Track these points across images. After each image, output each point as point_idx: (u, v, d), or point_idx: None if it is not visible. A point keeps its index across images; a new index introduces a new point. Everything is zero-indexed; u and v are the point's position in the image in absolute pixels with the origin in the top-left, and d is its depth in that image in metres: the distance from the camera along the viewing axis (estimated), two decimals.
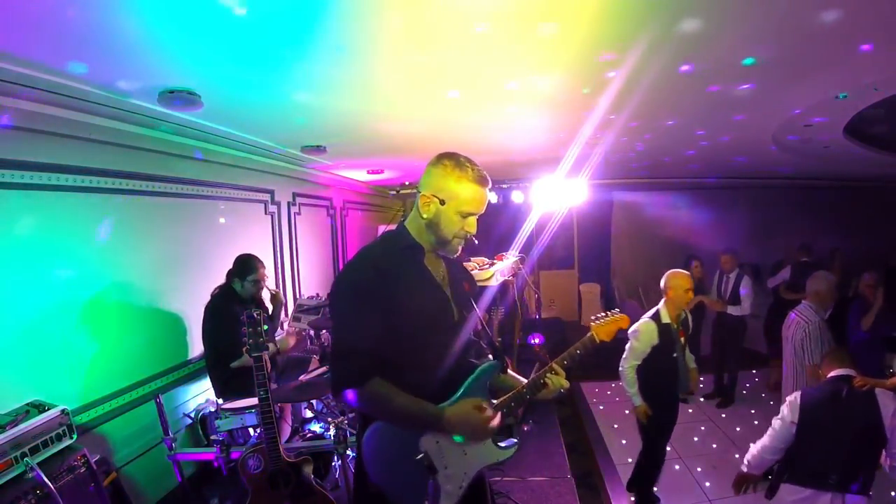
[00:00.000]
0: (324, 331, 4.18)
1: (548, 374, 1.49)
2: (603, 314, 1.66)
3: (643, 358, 3.01)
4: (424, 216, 1.40)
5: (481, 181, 1.39)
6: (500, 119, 3.15)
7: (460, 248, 1.46)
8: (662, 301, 3.06)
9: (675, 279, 3.03)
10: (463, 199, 1.37)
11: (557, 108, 2.91)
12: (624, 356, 3.08)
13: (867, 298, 3.82)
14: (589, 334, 1.60)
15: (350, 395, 1.31)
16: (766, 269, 6.28)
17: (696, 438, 4.29)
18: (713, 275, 5.28)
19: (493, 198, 6.94)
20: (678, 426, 3.22)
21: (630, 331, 2.98)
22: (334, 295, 1.44)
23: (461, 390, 1.40)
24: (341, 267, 1.55)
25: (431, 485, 1.31)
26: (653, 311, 3.07)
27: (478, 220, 1.43)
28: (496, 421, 1.39)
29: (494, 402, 1.47)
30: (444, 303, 1.46)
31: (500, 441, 1.47)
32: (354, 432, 2.41)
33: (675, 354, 2.99)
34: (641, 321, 3.03)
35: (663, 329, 2.98)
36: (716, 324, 5.22)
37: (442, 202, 1.38)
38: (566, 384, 1.49)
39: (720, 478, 3.58)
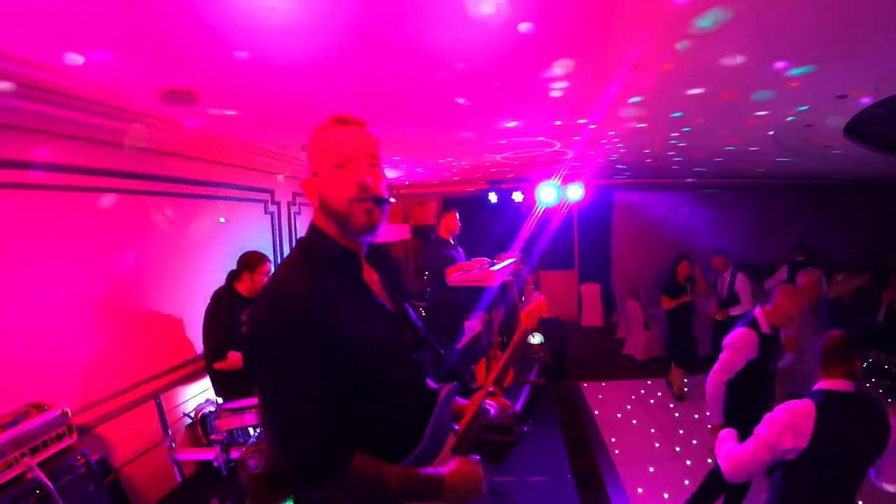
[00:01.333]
0: None
1: (486, 400, 1.26)
2: (527, 300, 1.50)
3: (736, 373, 2.61)
4: (317, 203, 1.10)
5: (338, 121, 1.09)
6: (504, 119, 3.15)
7: (376, 216, 1.08)
8: (761, 307, 2.70)
9: (787, 293, 2.65)
10: (325, 152, 1.07)
11: (560, 108, 2.90)
12: (715, 368, 2.66)
13: (841, 299, 3.85)
14: (520, 324, 1.36)
15: (331, 485, 0.98)
16: (766, 269, 6.31)
17: (695, 439, 4.29)
18: (707, 274, 5.34)
19: (493, 198, 6.97)
20: (679, 426, 3.20)
21: (726, 342, 2.65)
22: (263, 349, 0.99)
23: (428, 430, 1.14)
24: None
25: None
26: (748, 317, 2.71)
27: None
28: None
29: (456, 428, 1.26)
30: (395, 326, 1.16)
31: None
32: None
33: (771, 372, 2.64)
34: (739, 331, 2.65)
35: (763, 340, 2.60)
36: (714, 324, 5.26)
37: (315, 174, 1.09)
38: (508, 404, 1.31)
39: None
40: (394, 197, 8.10)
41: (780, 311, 2.62)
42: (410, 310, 1.28)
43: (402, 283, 1.31)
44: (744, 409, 2.58)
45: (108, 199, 2.79)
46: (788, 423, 1.78)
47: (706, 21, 1.65)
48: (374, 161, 1.09)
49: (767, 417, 1.87)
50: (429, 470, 1.08)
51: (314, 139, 1.10)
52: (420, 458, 1.11)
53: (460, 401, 1.34)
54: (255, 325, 1.03)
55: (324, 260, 1.07)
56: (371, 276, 1.18)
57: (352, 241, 1.12)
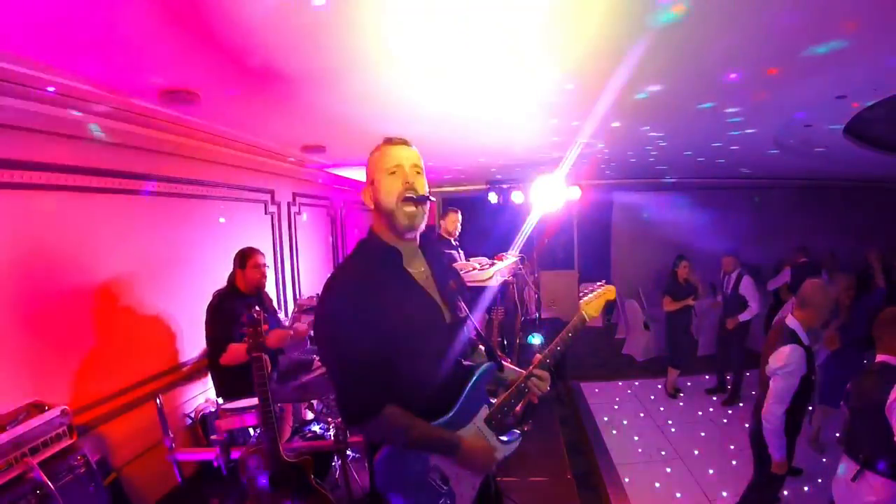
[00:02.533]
0: None
1: (531, 379, 1.46)
2: (588, 290, 1.56)
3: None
4: (371, 207, 1.40)
5: (388, 141, 1.39)
6: (504, 119, 3.15)
7: (416, 217, 1.36)
8: (793, 317, 2.52)
9: (820, 290, 2.51)
10: (379, 164, 1.37)
11: (564, 108, 2.91)
12: (771, 401, 2.42)
13: (840, 301, 3.85)
14: (578, 313, 1.53)
15: (365, 426, 1.30)
16: (767, 269, 6.30)
17: (695, 438, 4.29)
18: (710, 275, 5.34)
19: (493, 198, 6.97)
20: (679, 426, 3.20)
21: (774, 365, 2.42)
22: (323, 325, 1.32)
23: (462, 397, 1.38)
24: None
25: (447, 493, 1.36)
26: (785, 331, 2.48)
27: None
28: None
29: (492, 401, 1.47)
30: (432, 306, 1.40)
31: (503, 436, 1.46)
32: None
33: (813, 382, 2.50)
34: (785, 351, 2.39)
35: (808, 352, 2.42)
36: (720, 323, 5.27)
37: (371, 182, 1.38)
38: (546, 388, 1.47)
39: (721, 478, 3.58)
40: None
41: (818, 311, 2.48)
42: (457, 295, 1.49)
43: (453, 272, 1.58)
44: (789, 421, 2.44)
45: (107, 199, 2.79)
46: None
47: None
48: (417, 168, 1.38)
49: None
50: (448, 433, 1.34)
51: (371, 157, 1.40)
52: (450, 423, 1.35)
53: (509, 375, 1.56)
54: (318, 309, 1.34)
55: (373, 255, 1.38)
56: (419, 267, 1.44)
57: (398, 238, 1.38)
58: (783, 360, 2.37)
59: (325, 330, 1.31)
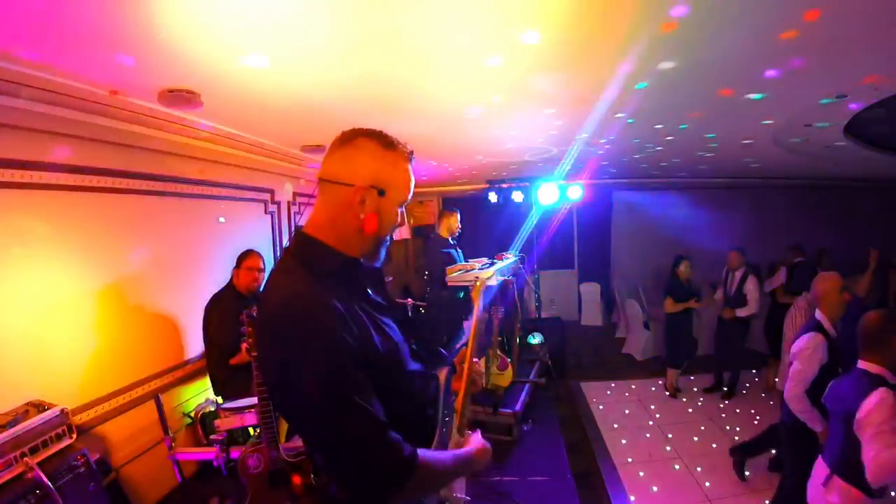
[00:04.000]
0: None
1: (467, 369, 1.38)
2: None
3: (811, 383, 2.45)
4: (361, 216, 1.07)
5: (411, 160, 1.17)
6: (505, 119, 3.15)
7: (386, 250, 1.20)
8: (818, 311, 2.63)
9: (826, 281, 2.64)
10: (402, 185, 1.13)
11: (564, 107, 2.90)
12: (789, 384, 2.52)
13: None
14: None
15: (408, 488, 0.97)
16: (765, 269, 6.29)
17: (696, 438, 4.29)
18: (712, 274, 5.33)
19: (492, 198, 6.97)
20: (679, 426, 3.21)
21: (794, 349, 2.54)
22: (298, 369, 0.93)
23: (441, 410, 1.26)
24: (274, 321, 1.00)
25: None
26: (811, 320, 2.61)
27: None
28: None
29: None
30: (398, 324, 1.22)
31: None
32: None
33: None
34: (807, 336, 2.51)
35: (831, 343, 2.49)
36: (718, 321, 5.27)
37: (381, 192, 1.08)
38: (507, 361, 1.45)
39: (720, 477, 3.58)
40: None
41: (831, 303, 2.56)
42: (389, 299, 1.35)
43: (384, 284, 1.32)
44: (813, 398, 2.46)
45: (107, 199, 2.79)
46: None
47: None
48: None
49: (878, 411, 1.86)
50: (464, 450, 1.21)
51: (394, 159, 1.11)
52: (441, 441, 1.22)
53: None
54: (276, 346, 0.97)
55: (326, 270, 1.06)
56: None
57: (353, 250, 1.11)
58: (802, 344, 2.50)
59: (307, 373, 0.92)
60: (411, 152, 1.16)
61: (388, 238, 1.17)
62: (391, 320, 1.18)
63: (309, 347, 0.93)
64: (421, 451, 1.01)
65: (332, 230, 1.09)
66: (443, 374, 1.32)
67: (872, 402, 1.87)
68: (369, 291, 1.15)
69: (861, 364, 2.10)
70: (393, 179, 1.10)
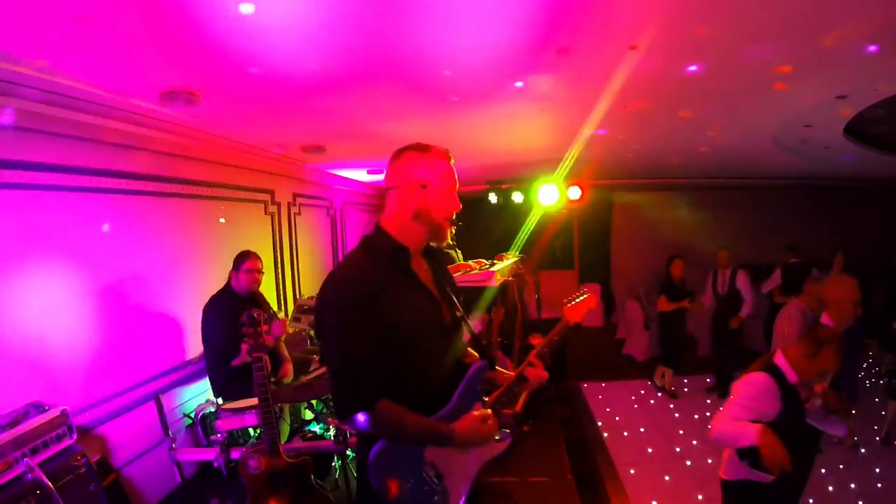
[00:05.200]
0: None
1: (527, 368, 1.52)
2: (574, 296, 1.67)
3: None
4: (412, 208, 1.38)
5: (448, 155, 1.42)
6: (503, 119, 3.15)
7: (451, 234, 1.45)
8: (825, 314, 2.47)
9: (843, 290, 2.42)
10: (442, 174, 1.39)
11: (562, 106, 2.90)
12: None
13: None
14: (563, 319, 1.65)
15: (359, 419, 1.30)
16: (763, 269, 6.28)
17: (696, 438, 4.29)
18: (704, 275, 5.34)
19: (493, 198, 6.96)
20: (679, 426, 3.21)
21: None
22: (327, 315, 1.33)
23: (456, 395, 1.41)
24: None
25: (440, 490, 1.36)
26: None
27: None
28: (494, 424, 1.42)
29: (486, 399, 1.49)
30: (435, 307, 1.45)
31: (496, 435, 1.48)
32: (354, 433, 2.42)
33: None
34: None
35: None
36: (714, 322, 5.27)
37: (424, 186, 1.37)
38: (545, 375, 1.54)
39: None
40: None
41: (842, 312, 2.41)
42: (454, 296, 1.54)
43: (449, 274, 1.64)
44: None
45: (107, 200, 2.79)
46: None
47: None
48: None
49: None
50: (441, 424, 1.35)
51: (430, 158, 1.39)
52: (446, 418, 1.36)
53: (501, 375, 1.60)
54: (322, 299, 1.36)
55: (381, 253, 1.38)
56: (422, 267, 1.48)
57: (410, 240, 1.40)
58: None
59: (335, 312, 1.31)
60: (446, 150, 1.41)
61: (446, 222, 1.41)
62: (432, 292, 1.45)
63: (337, 296, 1.32)
64: (385, 402, 1.28)
65: (394, 222, 1.41)
66: (475, 366, 1.47)
67: (746, 379, 2.04)
68: (415, 272, 1.42)
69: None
70: (431, 175, 1.38)
